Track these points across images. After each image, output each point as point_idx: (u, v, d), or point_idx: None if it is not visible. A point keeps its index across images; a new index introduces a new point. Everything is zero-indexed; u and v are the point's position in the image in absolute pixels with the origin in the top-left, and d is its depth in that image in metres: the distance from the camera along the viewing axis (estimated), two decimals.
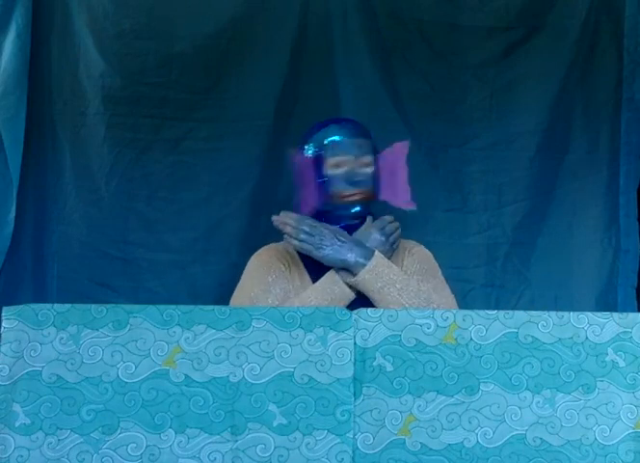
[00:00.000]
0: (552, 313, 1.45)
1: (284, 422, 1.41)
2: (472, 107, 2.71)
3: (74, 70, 2.60)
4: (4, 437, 1.38)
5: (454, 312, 1.47)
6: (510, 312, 1.46)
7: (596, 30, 2.68)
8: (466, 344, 1.44)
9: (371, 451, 1.41)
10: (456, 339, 1.44)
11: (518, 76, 2.71)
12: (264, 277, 1.96)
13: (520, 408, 1.42)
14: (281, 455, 1.40)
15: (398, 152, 2.01)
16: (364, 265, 1.85)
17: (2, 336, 1.42)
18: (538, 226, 2.71)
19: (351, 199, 1.95)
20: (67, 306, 1.44)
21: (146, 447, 1.40)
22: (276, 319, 1.45)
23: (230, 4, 2.61)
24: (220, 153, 2.66)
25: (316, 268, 1.95)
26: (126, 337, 1.43)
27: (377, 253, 1.89)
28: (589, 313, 1.46)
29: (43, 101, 2.60)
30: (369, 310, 1.47)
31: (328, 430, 1.41)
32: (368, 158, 1.97)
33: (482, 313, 1.46)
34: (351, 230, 1.97)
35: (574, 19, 2.68)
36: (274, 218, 1.95)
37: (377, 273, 1.85)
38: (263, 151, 2.66)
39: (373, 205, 2.04)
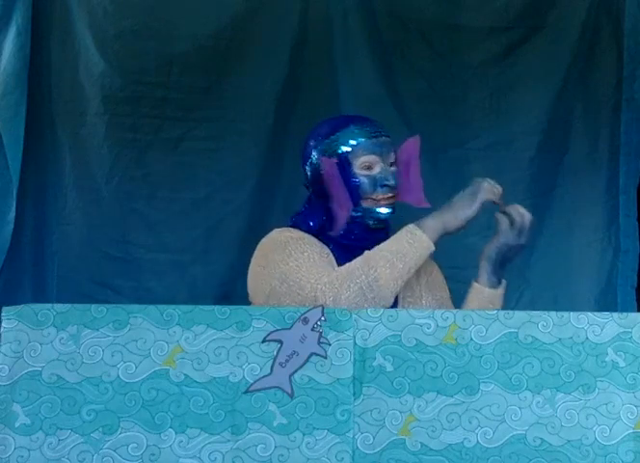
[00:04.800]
0: (552, 313, 1.45)
1: (284, 421, 1.41)
2: (472, 107, 2.71)
3: (74, 70, 2.61)
4: (4, 437, 1.38)
5: (454, 312, 1.46)
6: (510, 312, 1.46)
7: (596, 30, 2.68)
8: (466, 344, 1.44)
9: (371, 451, 1.41)
10: (456, 339, 1.44)
11: (518, 76, 2.71)
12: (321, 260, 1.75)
13: (520, 408, 1.42)
14: (282, 455, 1.40)
15: (412, 147, 1.87)
16: None
17: (2, 336, 1.41)
18: (538, 226, 2.70)
19: (383, 202, 1.81)
20: (67, 306, 1.44)
21: (147, 447, 1.39)
22: (276, 319, 1.45)
23: (230, 4, 2.62)
24: (220, 153, 2.67)
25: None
26: (126, 337, 1.43)
27: None
28: (589, 313, 1.45)
29: (43, 101, 2.60)
30: (369, 310, 1.47)
31: (328, 430, 1.41)
32: (393, 157, 1.83)
33: (482, 312, 1.46)
34: (379, 235, 1.80)
35: (574, 19, 2.68)
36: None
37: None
38: (263, 151, 2.67)
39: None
